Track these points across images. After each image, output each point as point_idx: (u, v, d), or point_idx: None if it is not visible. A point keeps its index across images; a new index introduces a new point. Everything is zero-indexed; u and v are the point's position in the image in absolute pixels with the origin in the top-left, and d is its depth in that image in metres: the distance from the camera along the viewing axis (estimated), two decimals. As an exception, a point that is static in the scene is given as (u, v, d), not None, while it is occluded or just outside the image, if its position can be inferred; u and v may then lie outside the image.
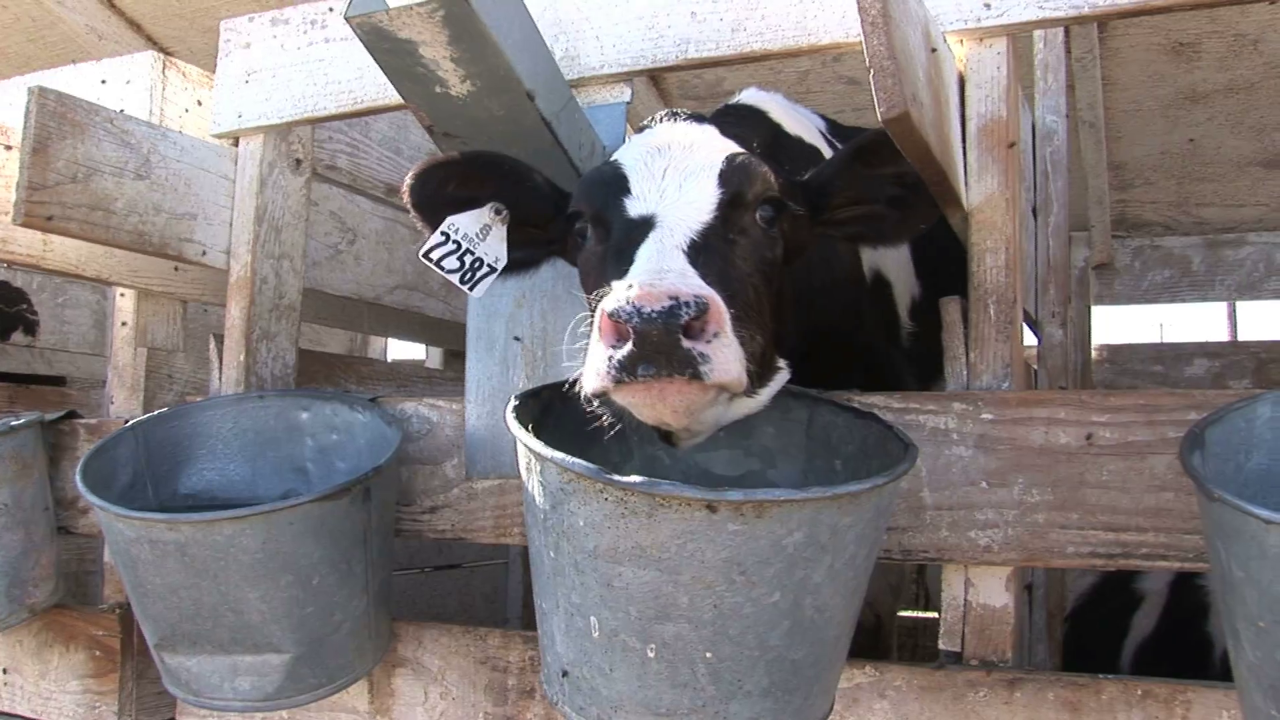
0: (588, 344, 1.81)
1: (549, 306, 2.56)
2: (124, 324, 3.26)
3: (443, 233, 2.33)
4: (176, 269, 3.29)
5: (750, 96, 3.16)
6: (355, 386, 3.68)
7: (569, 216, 2.26)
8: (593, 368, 1.76)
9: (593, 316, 1.81)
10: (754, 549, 1.68)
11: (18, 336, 4.56)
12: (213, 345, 3.11)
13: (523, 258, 2.41)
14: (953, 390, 2.23)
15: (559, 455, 1.72)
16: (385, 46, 2.19)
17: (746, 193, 2.09)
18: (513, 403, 1.96)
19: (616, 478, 1.65)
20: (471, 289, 2.36)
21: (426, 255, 2.34)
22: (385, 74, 2.28)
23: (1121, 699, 2.04)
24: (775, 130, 2.99)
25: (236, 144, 3.14)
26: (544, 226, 2.38)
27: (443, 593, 4.30)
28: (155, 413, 2.73)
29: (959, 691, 2.14)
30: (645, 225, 2.00)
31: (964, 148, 2.29)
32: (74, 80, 3.33)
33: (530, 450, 1.79)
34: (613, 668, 1.78)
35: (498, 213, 2.35)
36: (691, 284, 1.75)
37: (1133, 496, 2.03)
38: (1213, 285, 5.31)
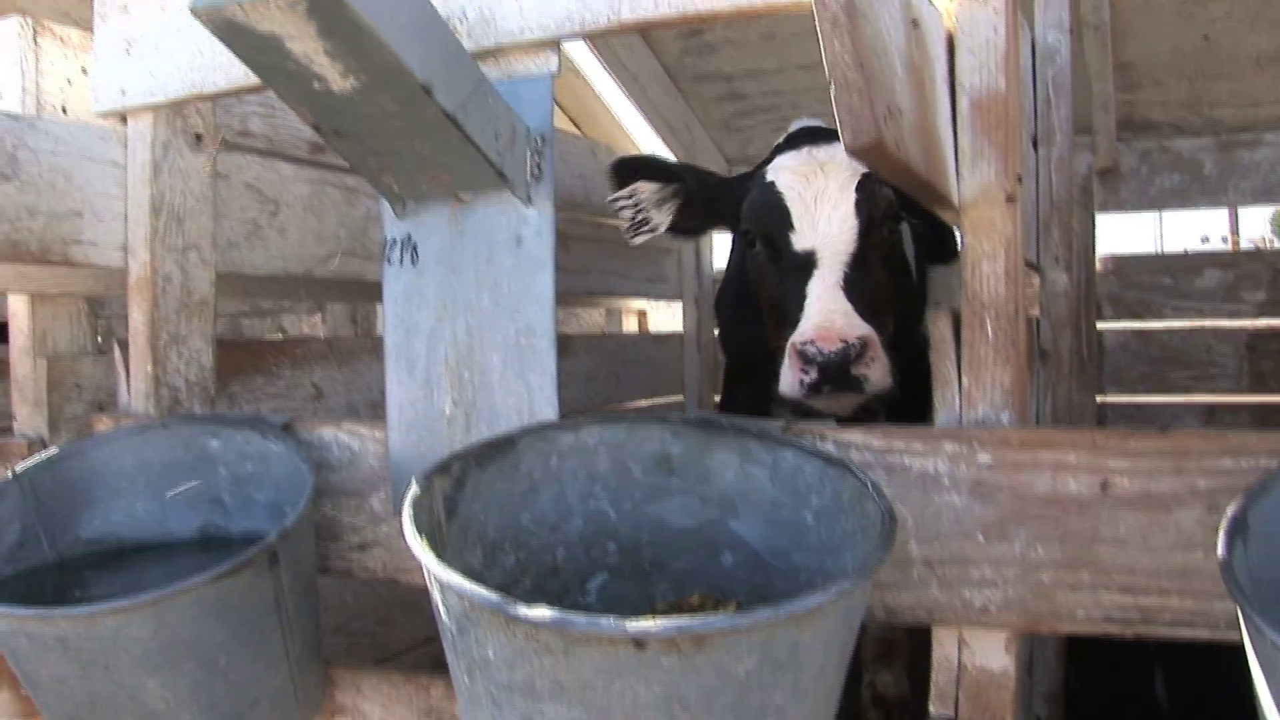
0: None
1: (475, 321, 2.20)
2: (18, 333, 2.90)
3: (628, 191, 2.77)
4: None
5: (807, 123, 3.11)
6: (290, 371, 3.34)
7: (743, 231, 2.75)
8: (787, 383, 2.34)
9: (780, 341, 2.44)
10: (697, 683, 1.38)
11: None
12: (117, 353, 2.77)
13: (688, 226, 2.86)
14: (943, 426, 1.89)
15: (456, 581, 1.41)
16: (245, 42, 1.80)
17: (877, 215, 2.54)
18: (413, 490, 1.64)
19: (522, 611, 1.34)
20: (633, 238, 2.80)
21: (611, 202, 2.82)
22: (254, 72, 1.89)
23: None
24: None
25: (125, 122, 2.75)
26: (706, 212, 2.86)
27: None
28: (43, 456, 2.39)
29: (956, 764, 1.87)
30: (809, 262, 2.49)
31: (954, 128, 1.91)
32: (-74, 54, 2.89)
33: (425, 568, 1.48)
34: (546, 807, 1.51)
35: (676, 194, 2.81)
36: (854, 325, 2.32)
37: (1155, 555, 1.72)
38: (1226, 190, 4.90)
